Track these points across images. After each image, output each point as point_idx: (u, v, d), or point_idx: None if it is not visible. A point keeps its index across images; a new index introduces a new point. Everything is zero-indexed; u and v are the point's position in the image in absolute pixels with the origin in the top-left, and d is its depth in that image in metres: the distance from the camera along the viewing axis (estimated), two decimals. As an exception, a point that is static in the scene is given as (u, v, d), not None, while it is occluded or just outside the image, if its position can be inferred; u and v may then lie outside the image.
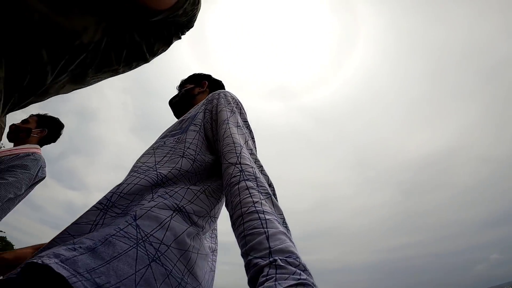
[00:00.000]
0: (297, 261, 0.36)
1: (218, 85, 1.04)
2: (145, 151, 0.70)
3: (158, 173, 0.55)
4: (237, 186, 0.48)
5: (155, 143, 0.72)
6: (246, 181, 0.48)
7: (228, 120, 0.66)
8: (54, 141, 1.59)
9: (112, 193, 0.50)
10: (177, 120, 0.87)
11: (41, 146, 1.50)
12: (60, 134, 1.59)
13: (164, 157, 0.62)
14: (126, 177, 0.57)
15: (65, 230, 0.44)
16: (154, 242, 0.41)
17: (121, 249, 0.38)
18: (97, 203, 0.49)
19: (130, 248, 0.39)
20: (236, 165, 0.52)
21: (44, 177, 1.41)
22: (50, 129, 1.52)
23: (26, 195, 1.39)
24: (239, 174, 0.50)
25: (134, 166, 0.62)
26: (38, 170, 1.37)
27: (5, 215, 1.29)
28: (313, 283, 0.33)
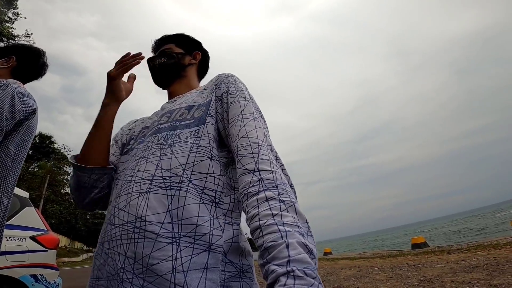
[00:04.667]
0: (314, 273, 0.35)
1: (206, 58, 0.88)
2: (148, 141, 0.62)
3: (195, 186, 0.52)
4: (255, 197, 0.45)
5: (158, 130, 0.63)
6: (265, 191, 0.45)
7: (242, 115, 0.59)
8: (37, 75, 1.15)
9: (162, 223, 0.48)
10: (168, 97, 0.79)
11: (22, 83, 1.07)
12: (42, 63, 1.14)
13: (188, 157, 0.55)
14: (158, 194, 0.51)
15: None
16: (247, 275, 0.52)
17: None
18: (157, 234, 0.48)
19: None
20: (255, 173, 0.48)
21: (31, 110, 0.96)
22: (19, 55, 1.08)
23: (22, 151, 0.95)
24: (257, 183, 0.46)
25: (144, 172, 0.55)
26: (12, 101, 0.89)
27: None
28: None
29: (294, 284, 0.33)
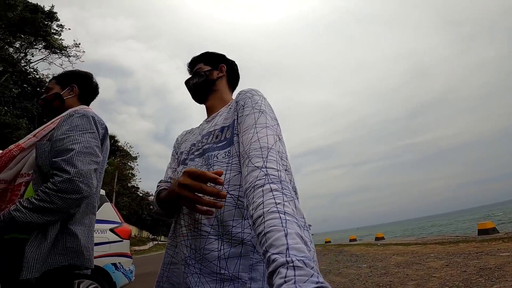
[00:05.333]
0: (312, 263, 0.37)
1: (233, 67, 0.97)
2: (197, 161, 0.76)
3: (232, 196, 0.66)
4: (261, 188, 0.50)
5: (203, 153, 0.76)
6: (270, 184, 0.50)
7: (256, 124, 0.67)
8: (95, 94, 1.28)
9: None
10: (207, 112, 0.92)
11: (87, 105, 1.22)
12: (96, 84, 1.27)
13: (225, 175, 0.68)
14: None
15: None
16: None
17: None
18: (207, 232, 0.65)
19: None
20: (262, 169, 0.54)
21: (106, 130, 1.10)
22: (78, 82, 1.21)
23: (103, 168, 1.11)
24: (264, 177, 0.52)
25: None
26: (96, 126, 1.03)
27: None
28: None
29: (294, 275, 0.34)
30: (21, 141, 1.03)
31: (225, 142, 0.74)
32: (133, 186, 35.79)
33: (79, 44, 19.72)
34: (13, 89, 13.95)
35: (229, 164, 0.70)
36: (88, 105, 1.24)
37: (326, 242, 15.30)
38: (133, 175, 36.74)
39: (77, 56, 19.63)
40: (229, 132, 0.75)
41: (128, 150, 35.86)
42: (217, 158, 0.72)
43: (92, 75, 1.30)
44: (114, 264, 3.33)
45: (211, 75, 0.91)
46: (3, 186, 0.98)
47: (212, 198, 0.60)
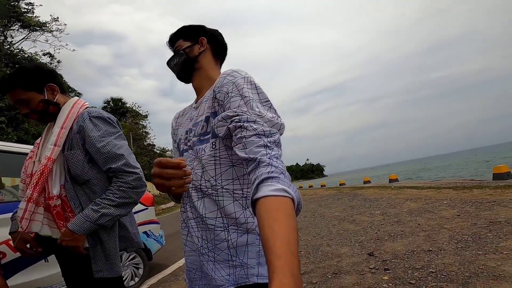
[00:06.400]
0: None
1: (215, 37, 0.88)
2: (190, 154, 0.78)
3: (227, 190, 0.71)
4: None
5: (192, 146, 0.78)
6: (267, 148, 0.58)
7: (245, 103, 0.67)
8: (60, 80, 1.22)
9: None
10: (195, 92, 0.88)
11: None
12: (57, 78, 1.19)
13: (215, 170, 0.72)
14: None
15: None
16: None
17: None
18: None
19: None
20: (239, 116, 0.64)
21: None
22: (52, 80, 1.16)
23: None
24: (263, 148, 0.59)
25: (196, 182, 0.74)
26: (118, 125, 1.20)
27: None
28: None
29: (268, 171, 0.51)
30: (47, 154, 1.06)
31: (209, 134, 0.74)
32: (149, 144, 36.54)
33: (57, 18, 19.03)
34: (7, 71, 13.72)
35: (217, 158, 0.72)
36: (67, 91, 1.24)
37: (340, 184, 16.03)
38: (147, 133, 37.28)
39: (60, 29, 19.08)
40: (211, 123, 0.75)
41: (137, 110, 36.01)
42: (205, 151, 0.74)
43: (45, 65, 1.26)
44: (145, 232, 3.46)
45: (191, 52, 0.85)
46: (59, 201, 1.06)
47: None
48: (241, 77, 0.71)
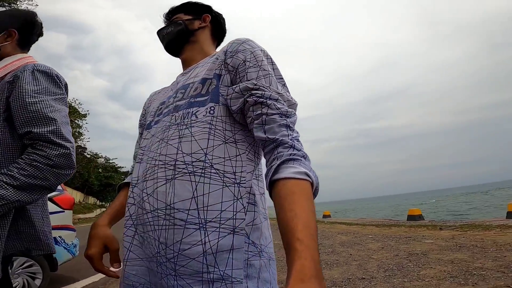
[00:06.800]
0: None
1: (219, 21, 0.83)
2: (166, 120, 0.62)
3: (217, 171, 0.54)
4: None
5: (175, 109, 0.62)
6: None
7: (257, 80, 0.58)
8: (35, 36, 1.06)
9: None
10: (182, 66, 0.78)
11: (28, 48, 1.04)
12: (37, 24, 1.05)
13: (207, 141, 0.56)
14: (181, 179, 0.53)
15: None
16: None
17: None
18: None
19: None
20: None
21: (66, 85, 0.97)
22: (17, 25, 0.99)
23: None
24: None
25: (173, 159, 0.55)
26: (65, 89, 0.94)
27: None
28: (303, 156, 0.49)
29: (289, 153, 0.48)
30: None
31: (207, 97, 0.60)
32: (79, 146, 32.80)
33: None
34: None
35: (212, 128, 0.56)
36: (28, 49, 1.06)
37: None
38: (81, 133, 33.48)
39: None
40: (213, 85, 0.61)
41: (77, 107, 32.44)
42: (196, 116, 0.58)
43: (35, 14, 1.08)
44: (54, 238, 3.04)
45: (190, 25, 0.78)
46: None
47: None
48: (259, 48, 0.63)
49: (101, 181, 40.46)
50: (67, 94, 0.98)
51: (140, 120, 0.84)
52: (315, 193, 0.48)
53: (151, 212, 0.55)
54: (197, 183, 0.53)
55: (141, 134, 0.80)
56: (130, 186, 0.65)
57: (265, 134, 0.53)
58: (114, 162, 44.25)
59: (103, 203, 47.02)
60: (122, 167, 48.15)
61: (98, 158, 40.67)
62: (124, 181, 0.81)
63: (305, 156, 0.50)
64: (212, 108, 0.58)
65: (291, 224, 0.41)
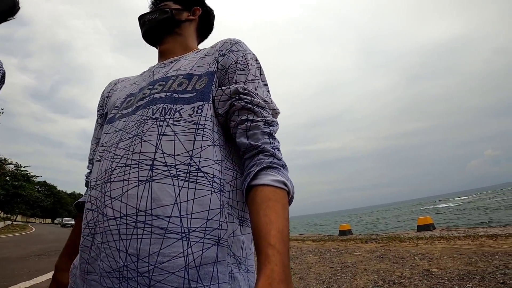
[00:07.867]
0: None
1: (209, 16, 0.79)
2: (140, 114, 0.55)
3: (205, 175, 0.48)
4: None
5: (152, 101, 0.56)
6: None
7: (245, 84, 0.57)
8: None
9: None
10: (159, 58, 0.72)
11: None
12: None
13: (194, 142, 0.50)
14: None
15: None
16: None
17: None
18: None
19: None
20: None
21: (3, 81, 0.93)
22: None
23: None
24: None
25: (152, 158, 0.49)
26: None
27: None
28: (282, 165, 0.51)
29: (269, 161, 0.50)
30: None
31: (193, 94, 0.55)
32: None
33: None
34: None
35: (200, 127, 0.51)
36: None
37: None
38: None
39: None
40: (202, 82, 0.56)
41: None
42: (180, 114, 0.52)
43: None
44: None
45: (178, 15, 0.72)
46: None
47: None
48: (250, 52, 0.62)
49: (8, 190, 33.73)
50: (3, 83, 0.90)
51: (98, 110, 0.74)
52: (290, 201, 0.49)
53: (115, 219, 0.47)
54: (180, 187, 0.47)
55: (101, 125, 0.72)
56: (88, 189, 0.57)
57: (247, 140, 0.53)
58: (26, 170, 37.66)
59: (9, 215, 39.14)
60: (37, 176, 41.47)
61: (6, 165, 34.06)
62: (81, 199, 0.68)
63: (284, 166, 0.52)
64: (200, 107, 0.53)
65: (265, 229, 0.42)
